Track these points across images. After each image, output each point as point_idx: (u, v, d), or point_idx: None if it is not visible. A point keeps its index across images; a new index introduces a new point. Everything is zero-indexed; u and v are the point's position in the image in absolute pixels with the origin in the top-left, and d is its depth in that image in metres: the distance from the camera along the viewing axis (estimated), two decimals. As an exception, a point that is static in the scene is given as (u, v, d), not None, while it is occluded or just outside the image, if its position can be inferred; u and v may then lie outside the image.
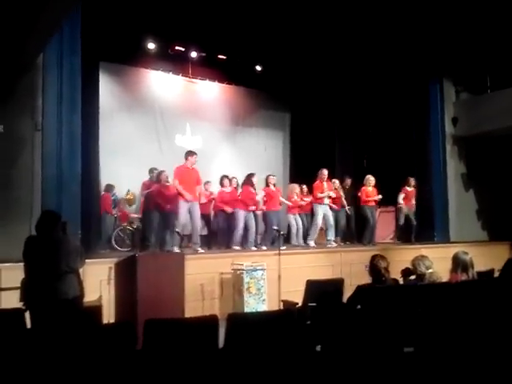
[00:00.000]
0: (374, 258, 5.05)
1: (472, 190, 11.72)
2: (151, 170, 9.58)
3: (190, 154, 8.35)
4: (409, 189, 10.54)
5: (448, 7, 9.23)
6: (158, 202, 8.35)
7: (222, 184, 9.66)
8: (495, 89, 11.19)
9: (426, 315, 3.89)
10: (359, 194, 10.30)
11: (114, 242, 9.42)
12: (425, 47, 10.67)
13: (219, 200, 9.53)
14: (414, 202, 10.57)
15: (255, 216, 9.54)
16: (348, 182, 10.76)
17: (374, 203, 10.24)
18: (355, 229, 10.60)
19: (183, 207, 8.06)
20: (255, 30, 9.87)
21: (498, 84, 11.09)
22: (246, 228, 9.06)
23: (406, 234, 10.54)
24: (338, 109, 12.62)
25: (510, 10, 9.73)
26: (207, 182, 9.98)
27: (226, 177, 9.76)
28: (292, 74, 12.10)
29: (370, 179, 10.23)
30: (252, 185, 9.23)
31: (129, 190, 10.57)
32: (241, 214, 8.98)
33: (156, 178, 8.88)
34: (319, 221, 9.73)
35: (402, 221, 10.48)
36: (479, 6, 9.34)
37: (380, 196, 10.20)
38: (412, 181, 10.56)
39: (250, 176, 9.33)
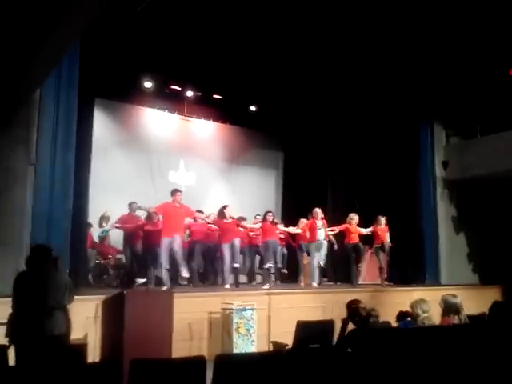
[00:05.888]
0: (351, 303, 4.96)
1: (463, 234, 11.76)
2: (130, 204, 9.38)
3: (174, 192, 8.39)
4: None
5: (438, 52, 9.48)
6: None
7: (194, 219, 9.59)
8: (485, 133, 11.37)
9: (418, 358, 3.84)
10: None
11: (90, 278, 9.10)
12: (416, 91, 10.90)
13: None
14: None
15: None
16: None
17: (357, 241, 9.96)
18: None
19: (164, 243, 8.00)
20: (250, 71, 10.07)
21: (488, 129, 11.27)
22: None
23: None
24: (331, 149, 12.76)
25: (498, 57, 10.04)
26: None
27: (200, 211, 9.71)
28: (286, 115, 12.29)
29: (354, 218, 10.00)
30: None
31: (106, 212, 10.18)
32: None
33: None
34: (315, 260, 9.57)
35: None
36: (469, 52, 9.60)
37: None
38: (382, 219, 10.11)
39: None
